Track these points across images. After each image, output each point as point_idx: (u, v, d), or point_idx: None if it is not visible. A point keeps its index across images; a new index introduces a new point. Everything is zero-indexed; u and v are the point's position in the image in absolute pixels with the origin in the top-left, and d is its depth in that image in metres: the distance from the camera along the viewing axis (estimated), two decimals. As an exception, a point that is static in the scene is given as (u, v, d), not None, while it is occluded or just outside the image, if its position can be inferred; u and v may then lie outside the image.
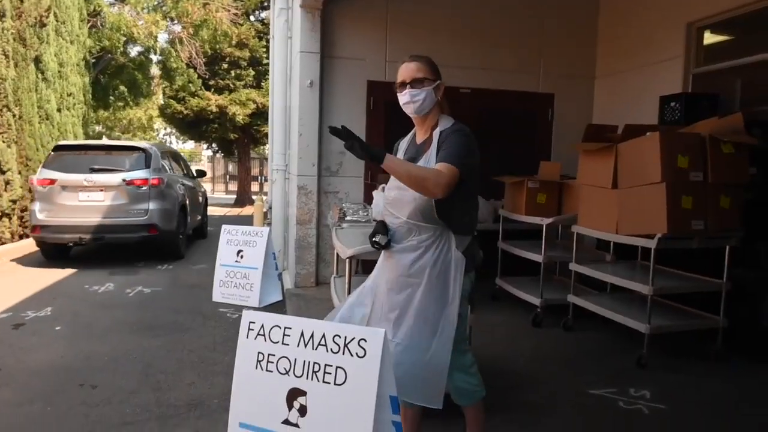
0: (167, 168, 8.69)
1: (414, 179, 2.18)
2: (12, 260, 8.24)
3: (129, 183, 7.73)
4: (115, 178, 7.71)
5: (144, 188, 7.79)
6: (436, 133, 2.37)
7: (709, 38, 5.74)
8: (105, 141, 10.87)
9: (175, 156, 10.00)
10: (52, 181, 7.62)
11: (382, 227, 2.43)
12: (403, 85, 2.39)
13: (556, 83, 6.96)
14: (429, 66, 2.42)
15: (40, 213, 7.62)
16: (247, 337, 1.94)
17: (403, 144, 2.54)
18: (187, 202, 9.01)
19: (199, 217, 10.41)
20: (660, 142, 3.90)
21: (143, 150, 8.17)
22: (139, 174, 7.82)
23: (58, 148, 8.17)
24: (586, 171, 4.76)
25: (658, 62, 6.00)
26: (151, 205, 7.81)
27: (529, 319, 5.13)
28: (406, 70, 2.40)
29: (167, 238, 8.13)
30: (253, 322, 1.93)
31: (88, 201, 7.65)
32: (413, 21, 6.49)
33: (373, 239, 2.40)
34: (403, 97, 2.39)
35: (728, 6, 5.22)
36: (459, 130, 2.35)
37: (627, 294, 4.84)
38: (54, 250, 8.09)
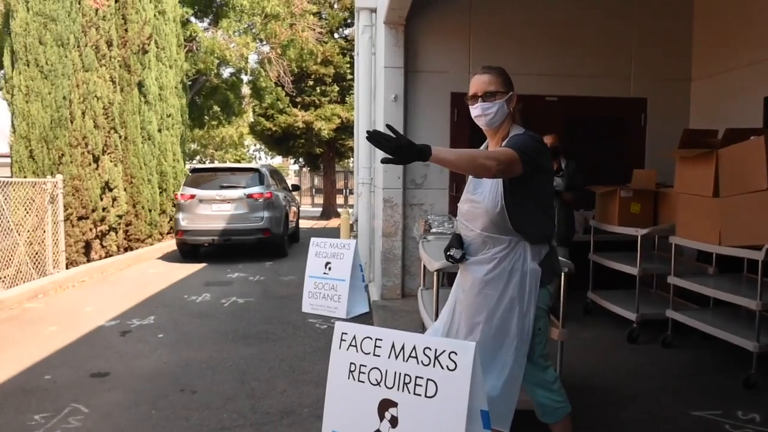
0: (274, 184, 10.67)
1: (465, 159, 2.12)
2: (119, 269, 8.90)
3: (249, 196, 9.78)
4: (238, 193, 9.80)
5: (260, 200, 9.84)
6: (505, 143, 2.35)
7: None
8: (229, 164, 14.12)
9: (277, 174, 12.08)
10: (192, 196, 9.79)
11: (456, 241, 2.42)
12: (475, 97, 2.36)
13: (648, 87, 6.66)
14: (501, 78, 2.38)
15: (183, 221, 9.73)
16: (340, 348, 1.99)
17: None
18: (288, 211, 11.00)
19: (294, 224, 12.33)
20: (765, 146, 3.64)
21: (258, 170, 10.46)
22: (257, 189, 9.91)
23: (194, 171, 10.71)
24: (684, 178, 4.51)
25: (761, 61, 5.60)
26: (265, 214, 9.83)
27: (624, 334, 4.90)
28: (478, 83, 2.37)
29: (276, 240, 10.13)
30: (346, 333, 1.99)
31: (218, 211, 9.77)
32: (496, 31, 6.44)
33: (448, 253, 2.40)
34: (475, 110, 2.37)
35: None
36: (526, 133, 2.34)
37: (732, 309, 4.52)
38: (190, 250, 10.16)
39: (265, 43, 17.13)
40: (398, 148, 1.95)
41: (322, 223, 18.95)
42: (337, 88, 19.46)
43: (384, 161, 2.01)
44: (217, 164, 13.73)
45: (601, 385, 3.87)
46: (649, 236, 5.04)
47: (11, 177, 8.61)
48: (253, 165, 11.91)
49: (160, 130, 11.45)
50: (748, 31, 5.79)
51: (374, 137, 1.96)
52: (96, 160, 9.21)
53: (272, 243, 10.13)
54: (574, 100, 6.53)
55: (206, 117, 18.72)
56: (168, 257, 10.44)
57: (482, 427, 1.72)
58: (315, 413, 3.43)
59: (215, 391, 3.85)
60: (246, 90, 19.62)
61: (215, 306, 6.46)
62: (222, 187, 9.84)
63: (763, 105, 5.29)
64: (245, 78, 18.03)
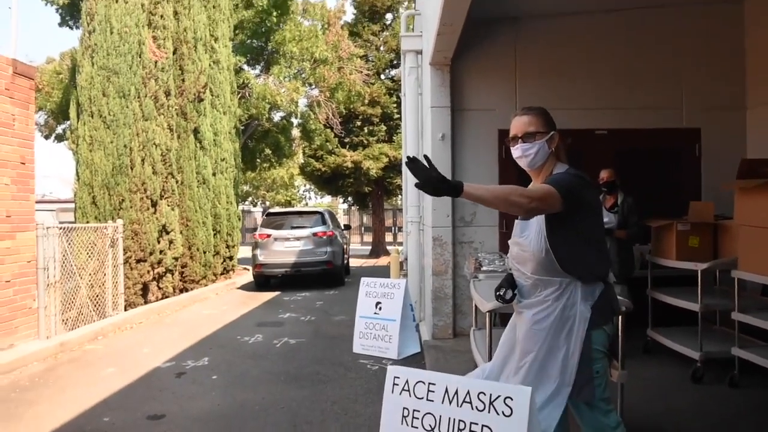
0: (333, 224, 12.69)
1: (497, 196, 2.11)
2: (175, 310, 9.15)
3: (315, 234, 11.73)
4: (306, 232, 11.78)
5: (324, 238, 11.77)
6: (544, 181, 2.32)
7: None
8: (297, 207, 18.53)
9: (333, 215, 13.99)
10: (269, 236, 11.71)
11: (507, 281, 2.42)
12: (515, 139, 2.37)
13: (701, 117, 6.49)
14: (541, 118, 2.38)
15: (261, 256, 11.60)
16: (392, 392, 1.98)
17: None
18: (344, 247, 13.15)
19: (347, 258, 14.34)
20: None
21: (320, 213, 12.70)
22: (321, 228, 11.89)
23: (269, 214, 12.91)
24: (745, 210, 4.34)
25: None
26: (328, 249, 11.74)
27: (688, 373, 4.67)
28: (518, 124, 2.38)
29: (336, 270, 12.05)
30: (398, 377, 1.98)
31: (290, 248, 11.69)
32: (542, 66, 6.45)
33: (498, 293, 2.39)
34: (516, 152, 2.38)
35: None
36: (567, 171, 2.33)
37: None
38: (264, 280, 11.96)
39: (314, 86, 17.66)
40: (428, 179, 1.96)
41: (371, 261, 19.03)
42: (384, 128, 19.81)
43: (416, 186, 2.03)
44: (286, 209, 17.79)
45: (664, 427, 3.70)
46: (710, 270, 4.84)
47: (75, 222, 9.06)
48: (317, 208, 14.02)
49: (214, 174, 11.88)
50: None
51: (410, 164, 2.00)
52: (154, 204, 9.60)
53: (333, 273, 11.97)
54: (624, 132, 6.43)
55: (258, 160, 19.29)
56: (222, 298, 10.68)
57: (541, 476, 1.67)
58: (368, 457, 3.40)
59: (269, 434, 3.87)
60: (296, 132, 20.20)
61: (267, 347, 6.54)
62: (293, 228, 11.90)
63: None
64: (295, 121, 18.60)
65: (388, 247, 21.27)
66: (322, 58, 16.30)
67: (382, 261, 18.51)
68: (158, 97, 9.83)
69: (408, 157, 2.01)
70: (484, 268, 5.43)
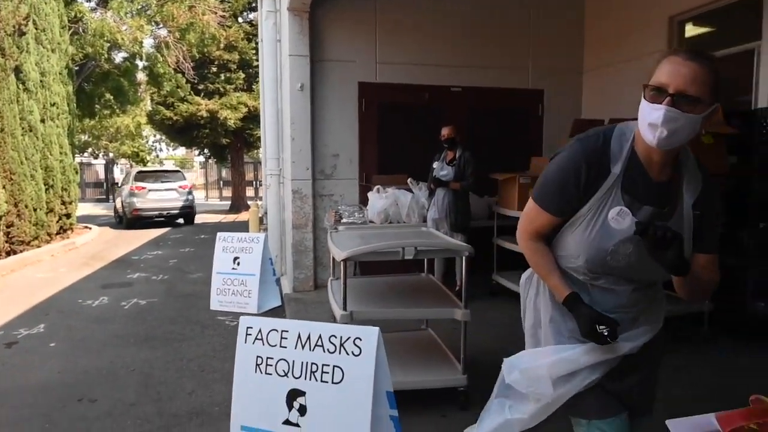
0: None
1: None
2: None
3: (180, 187, 15.42)
4: (174, 185, 15.35)
5: (186, 189, 15.57)
6: (688, 178, 1.61)
7: (691, 31, 5.78)
8: (163, 167, 24.02)
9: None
10: (143, 188, 14.83)
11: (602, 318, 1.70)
12: (661, 93, 1.47)
13: (545, 79, 7.00)
14: (713, 77, 1.48)
15: (138, 203, 14.61)
16: (245, 342, 1.95)
17: (618, 168, 1.59)
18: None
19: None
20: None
21: (180, 171, 17.66)
22: (184, 182, 15.75)
23: (139, 172, 16.06)
24: (577, 165, 4.78)
25: (642, 56, 6.02)
26: (189, 197, 15.52)
27: (527, 313, 5.15)
28: (681, 75, 1.45)
29: (194, 213, 15.94)
30: (251, 327, 1.95)
31: (162, 196, 15.00)
32: (402, 21, 6.51)
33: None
34: (653, 113, 1.47)
35: (705, 0, 5.26)
36: (715, 185, 1.64)
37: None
38: (140, 222, 14.81)
39: (161, 26, 16.27)
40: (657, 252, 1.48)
41: (231, 217, 18.45)
42: (242, 75, 18.79)
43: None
44: (154, 167, 23.15)
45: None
46: (548, 220, 5.30)
47: None
48: (176, 168, 19.47)
49: (43, 121, 10.58)
50: (633, 28, 6.21)
51: (643, 229, 1.47)
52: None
53: (192, 215, 15.81)
54: (477, 90, 6.75)
55: (97, 105, 17.50)
56: (59, 260, 9.78)
57: (388, 408, 1.76)
58: (226, 412, 3.31)
59: (117, 398, 3.65)
60: (142, 77, 18.54)
61: (114, 309, 6.12)
62: (162, 182, 15.25)
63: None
64: (140, 64, 17.00)
65: (249, 202, 20.73)
66: (170, -7, 14.98)
67: (243, 216, 18.02)
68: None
69: (638, 224, 1.49)
70: (344, 221, 5.49)
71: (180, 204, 15.15)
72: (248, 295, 5.75)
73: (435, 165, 5.68)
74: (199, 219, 17.08)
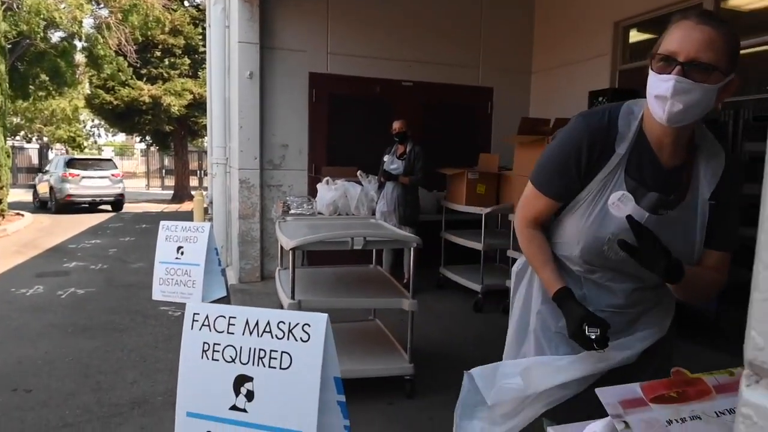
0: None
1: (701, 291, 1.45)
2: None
3: (112, 175, 15.86)
4: (106, 173, 15.76)
5: (118, 177, 16.09)
6: (706, 163, 1.42)
7: (635, 36, 6.03)
8: (95, 156, 24.00)
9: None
10: (77, 174, 15.16)
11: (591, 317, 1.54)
12: (671, 62, 1.29)
13: (495, 77, 7.14)
14: (730, 45, 1.29)
15: (71, 189, 14.99)
16: (192, 329, 1.93)
17: (623, 148, 1.42)
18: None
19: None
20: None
21: (112, 160, 18.23)
22: (116, 171, 16.24)
23: (72, 159, 16.22)
24: (522, 162, 4.93)
25: (588, 59, 6.25)
26: (121, 185, 16.11)
27: (472, 304, 5.28)
28: (690, 41, 1.27)
29: (124, 200, 16.33)
30: (198, 314, 1.93)
31: (94, 183, 15.45)
32: (354, 13, 6.50)
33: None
34: (662, 84, 1.29)
35: (650, 7, 5.49)
36: (739, 170, 1.43)
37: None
38: (72, 208, 15.12)
39: (103, 6, 15.62)
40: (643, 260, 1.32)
41: (173, 207, 17.98)
42: (188, 61, 18.26)
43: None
44: (87, 156, 23.32)
45: (450, 351, 4.15)
46: (493, 214, 5.44)
47: None
48: (109, 157, 20.30)
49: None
50: (580, 32, 6.42)
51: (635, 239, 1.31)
52: None
53: (122, 202, 16.19)
54: (428, 86, 6.82)
55: (31, 87, 16.59)
56: (-8, 245, 9.31)
57: (336, 393, 1.80)
58: (170, 401, 3.30)
59: (54, 388, 3.53)
60: (81, 58, 17.74)
61: (50, 298, 5.88)
62: (95, 169, 15.67)
63: (588, 98, 5.92)
64: (79, 44, 16.25)
65: (193, 192, 20.26)
66: (112, -28, 14.38)
67: (186, 206, 17.60)
68: None
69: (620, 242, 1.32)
70: (292, 211, 5.46)
71: (112, 191, 15.80)
72: (192, 285, 5.60)
73: (385, 158, 5.72)
74: (140, 208, 16.63)
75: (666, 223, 1.39)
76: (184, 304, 5.26)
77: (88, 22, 15.62)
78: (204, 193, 9.38)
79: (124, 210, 16.00)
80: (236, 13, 6.03)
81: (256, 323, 1.79)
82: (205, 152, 22.64)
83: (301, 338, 1.71)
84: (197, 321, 1.95)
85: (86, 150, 27.97)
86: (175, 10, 17.27)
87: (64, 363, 3.98)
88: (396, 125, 5.63)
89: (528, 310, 1.70)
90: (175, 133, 19.88)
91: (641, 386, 0.83)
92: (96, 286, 6.48)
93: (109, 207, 16.05)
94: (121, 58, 16.19)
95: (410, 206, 5.60)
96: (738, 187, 1.42)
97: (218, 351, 1.88)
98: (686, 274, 1.33)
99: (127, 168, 32.48)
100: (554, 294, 1.50)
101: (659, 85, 1.29)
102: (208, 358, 1.89)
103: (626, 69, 5.98)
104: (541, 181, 1.56)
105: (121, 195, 16.03)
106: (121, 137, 32.09)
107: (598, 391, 0.88)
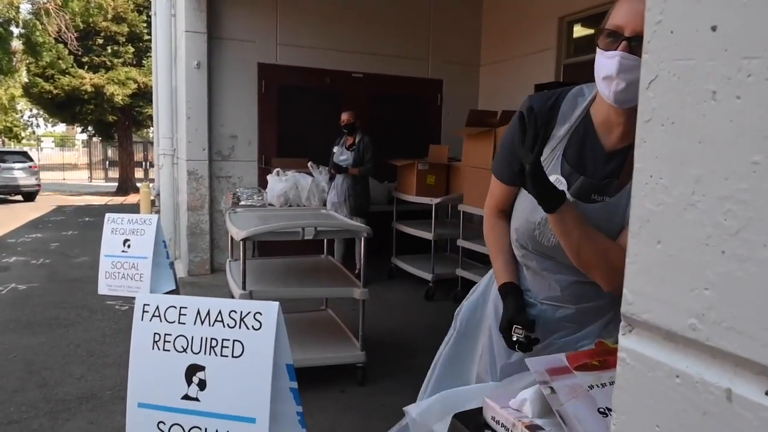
0: None
1: (591, 246, 1.28)
2: None
3: (30, 167, 16.27)
4: (25, 165, 16.15)
5: (36, 169, 16.56)
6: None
7: (579, 32, 6.24)
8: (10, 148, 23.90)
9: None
10: None
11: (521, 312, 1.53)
12: (617, 37, 1.22)
13: (444, 70, 7.25)
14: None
15: None
16: (142, 320, 1.92)
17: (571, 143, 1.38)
18: None
19: None
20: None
21: (27, 152, 18.12)
22: (32, 163, 16.65)
23: None
24: (470, 153, 5.05)
25: (534, 53, 6.43)
26: (38, 176, 16.69)
27: (423, 293, 5.38)
28: (637, 15, 1.18)
29: (37, 192, 16.74)
30: (148, 305, 1.92)
31: (14, 174, 15.86)
32: (304, 3, 6.48)
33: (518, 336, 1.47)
34: (607, 62, 1.22)
35: (593, 3, 5.68)
36: None
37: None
38: None
39: (40, -10, 14.95)
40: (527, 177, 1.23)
41: (118, 199, 17.46)
42: (132, 50, 17.69)
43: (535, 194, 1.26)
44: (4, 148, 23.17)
45: (401, 339, 4.24)
46: (442, 205, 5.56)
47: None
48: (26, 149, 21.77)
49: None
50: (526, 26, 6.58)
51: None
52: None
53: (37, 193, 16.58)
54: (378, 78, 6.87)
55: (-36, 74, 15.87)
56: None
57: (288, 380, 1.83)
58: (119, 395, 3.26)
59: (-4, 385, 3.44)
60: (17, 45, 16.95)
61: (-11, 293, 5.68)
62: (14, 162, 16.00)
63: (534, 91, 6.09)
64: (16, 30, 15.52)
65: (138, 184, 19.71)
66: (50, -44, 13.79)
67: (132, 198, 17.14)
68: None
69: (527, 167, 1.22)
70: (242, 203, 5.42)
71: (30, 182, 16.27)
72: (140, 278, 5.47)
73: (335, 150, 5.75)
74: (82, 201, 16.12)
75: (605, 210, 1.31)
76: (132, 298, 5.17)
77: (25, 8, 14.94)
78: (150, 185, 9.18)
79: (66, 203, 15.39)
80: (183, 1, 5.91)
81: (208, 313, 1.80)
82: (151, 143, 22.00)
83: (252, 326, 1.74)
84: (147, 312, 1.94)
85: (24, 141, 26.74)
86: (119, -4, 16.70)
87: (7, 360, 3.86)
88: (344, 117, 5.65)
89: (485, 307, 1.68)
90: (119, 124, 19.26)
91: (566, 356, 0.91)
92: (38, 281, 6.27)
93: (20, 197, 16.37)
94: (61, 46, 15.56)
95: (360, 197, 5.65)
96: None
97: (169, 341, 1.89)
98: (569, 214, 1.23)
99: (69, 159, 31.26)
100: (500, 286, 1.49)
101: (604, 63, 1.22)
102: (159, 349, 1.90)
103: (571, 63, 6.18)
104: (496, 167, 1.55)
105: (38, 185, 16.69)
106: (62, 128, 30.79)
107: (527, 360, 0.95)
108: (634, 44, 1.17)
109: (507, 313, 1.41)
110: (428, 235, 5.38)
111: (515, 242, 1.49)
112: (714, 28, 0.49)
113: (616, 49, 1.19)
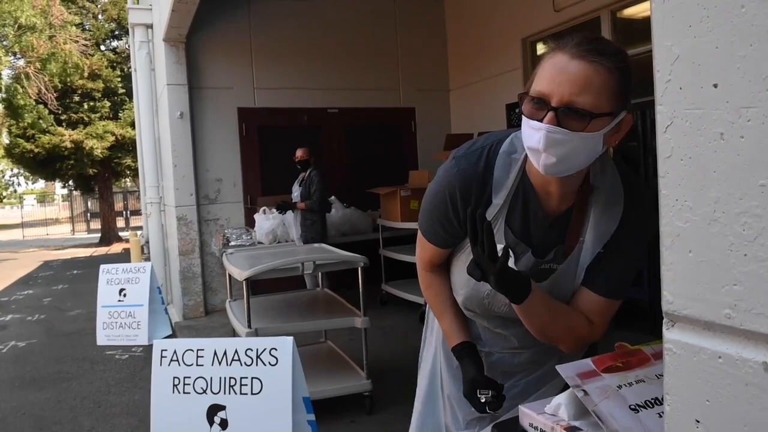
0: None
1: (551, 330, 1.26)
2: None
3: None
4: None
5: None
6: (603, 209, 1.21)
7: (542, 50, 6.50)
8: None
9: None
10: None
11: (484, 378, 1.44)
12: (543, 104, 1.08)
13: (415, 97, 7.50)
14: (616, 80, 1.08)
15: None
16: (161, 365, 2.05)
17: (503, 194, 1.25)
18: None
19: None
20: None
21: None
22: None
23: None
24: (450, 177, 5.23)
25: (502, 74, 6.67)
26: None
27: (417, 316, 5.51)
28: (563, 82, 1.07)
29: None
30: (165, 350, 2.06)
31: None
32: (277, 48, 6.71)
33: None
34: (533, 134, 1.09)
35: (551, 23, 5.96)
36: (650, 202, 1.12)
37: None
38: None
39: (20, 56, 15.15)
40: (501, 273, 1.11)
41: (102, 250, 17.37)
42: (108, 104, 17.93)
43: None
44: None
45: (402, 365, 4.35)
46: (428, 229, 5.71)
47: None
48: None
49: None
50: (490, 49, 6.85)
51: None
52: None
53: None
54: (353, 111, 7.09)
55: (-54, 138, 15.93)
56: None
57: (306, 413, 1.93)
58: (130, 443, 3.34)
59: (8, 445, 3.50)
60: (-1, 108, 17.13)
61: (-11, 355, 5.70)
62: None
63: (505, 110, 6.34)
64: (-2, 95, 15.75)
65: (121, 234, 19.66)
66: (29, 24, 14.02)
67: (116, 248, 17.09)
68: None
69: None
70: (232, 243, 5.57)
71: None
72: (137, 326, 5.61)
73: (293, 187, 5.87)
74: (67, 254, 16.02)
75: (555, 278, 1.25)
76: (131, 346, 5.33)
77: (6, 73, 15.13)
78: (139, 233, 9.25)
79: (52, 258, 15.30)
80: (162, 56, 6.11)
81: (225, 353, 1.94)
82: (131, 192, 21.96)
83: (269, 362, 1.87)
84: (165, 357, 2.08)
85: (5, 201, 26.62)
86: (92, 55, 17.00)
87: (17, 418, 3.92)
88: (298, 153, 5.75)
89: (436, 359, 1.57)
90: (99, 176, 19.30)
91: (592, 360, 1.04)
92: (36, 337, 6.30)
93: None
94: (41, 106, 15.78)
95: (311, 230, 5.64)
96: (642, 230, 1.21)
97: (189, 384, 2.01)
98: (535, 299, 1.17)
99: (50, 214, 31.03)
100: (453, 348, 1.39)
101: (531, 134, 1.08)
102: (179, 392, 2.02)
103: (536, 83, 6.43)
104: (425, 229, 1.41)
105: None
106: (41, 184, 30.60)
107: (558, 367, 1.05)
108: (561, 115, 1.04)
109: (468, 376, 1.33)
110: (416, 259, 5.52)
111: (462, 305, 1.40)
112: (715, 86, 0.63)
113: (541, 120, 1.06)
